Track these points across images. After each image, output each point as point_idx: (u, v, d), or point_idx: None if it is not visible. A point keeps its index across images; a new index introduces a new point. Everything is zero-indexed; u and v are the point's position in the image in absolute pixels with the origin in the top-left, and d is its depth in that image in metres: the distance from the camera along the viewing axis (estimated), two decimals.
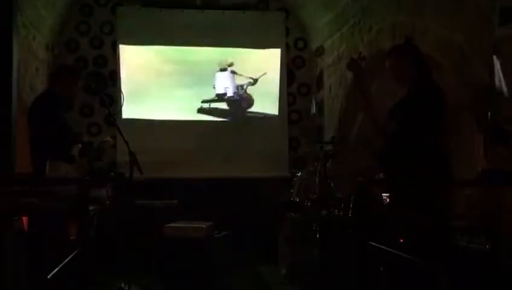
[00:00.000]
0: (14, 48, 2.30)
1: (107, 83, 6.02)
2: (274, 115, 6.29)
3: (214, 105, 6.23)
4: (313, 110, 6.31)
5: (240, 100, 6.26)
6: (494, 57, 2.90)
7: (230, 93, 6.26)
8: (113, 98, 5.86)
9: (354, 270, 3.66)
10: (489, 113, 2.86)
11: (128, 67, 6.04)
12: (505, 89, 2.84)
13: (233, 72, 6.24)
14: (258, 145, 6.12)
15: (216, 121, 6.20)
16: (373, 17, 4.58)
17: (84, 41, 6.05)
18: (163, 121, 6.09)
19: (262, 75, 6.24)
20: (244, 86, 6.25)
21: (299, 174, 4.70)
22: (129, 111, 5.92)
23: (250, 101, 6.29)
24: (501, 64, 2.87)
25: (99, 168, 5.57)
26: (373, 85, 4.00)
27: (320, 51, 6.05)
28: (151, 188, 4.97)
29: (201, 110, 6.20)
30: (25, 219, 3.06)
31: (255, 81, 6.25)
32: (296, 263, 4.29)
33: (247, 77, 6.24)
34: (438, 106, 2.94)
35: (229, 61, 6.22)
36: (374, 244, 3.12)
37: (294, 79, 6.41)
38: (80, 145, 3.71)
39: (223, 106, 6.25)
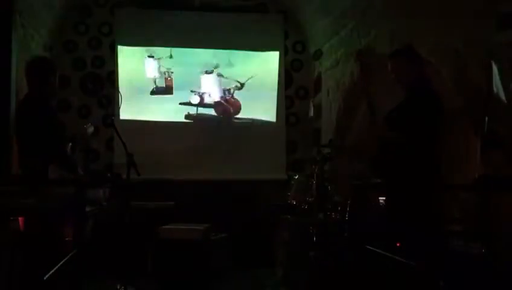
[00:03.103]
0: (13, 48, 2.30)
1: (104, 84, 6.01)
2: (271, 118, 6.29)
3: (200, 111, 6.14)
4: (311, 113, 6.32)
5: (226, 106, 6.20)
6: (492, 62, 2.91)
7: (216, 98, 6.19)
8: (111, 99, 5.86)
9: (350, 274, 3.66)
10: (486, 118, 2.87)
11: (126, 68, 6.04)
12: (502, 94, 2.85)
13: (219, 75, 6.19)
14: (255, 147, 6.12)
15: (214, 123, 6.19)
16: (371, 21, 4.59)
17: (83, 42, 6.04)
18: (161, 123, 6.09)
19: (249, 78, 6.21)
20: (231, 91, 6.22)
21: (296, 177, 4.71)
22: (127, 112, 5.92)
23: (237, 108, 6.21)
24: (498, 70, 2.89)
25: (96, 169, 5.57)
26: (375, 86, 4.02)
27: (318, 54, 6.06)
28: (149, 190, 4.96)
29: (188, 117, 6.14)
30: (21, 219, 3.05)
31: (242, 85, 6.21)
32: (292, 266, 4.29)
33: (234, 80, 6.20)
34: (435, 112, 2.96)
35: (215, 63, 6.15)
36: (370, 248, 3.13)
37: (292, 82, 6.42)
38: (70, 143, 3.63)
39: (210, 111, 6.17)
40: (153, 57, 6.08)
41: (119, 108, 5.70)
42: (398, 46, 3.43)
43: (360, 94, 4.35)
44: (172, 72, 6.11)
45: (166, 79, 6.11)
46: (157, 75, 6.09)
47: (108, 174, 5.11)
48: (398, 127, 3.03)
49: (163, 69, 6.10)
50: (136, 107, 6.00)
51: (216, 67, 6.16)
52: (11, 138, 2.76)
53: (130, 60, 6.06)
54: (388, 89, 3.32)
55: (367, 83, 3.28)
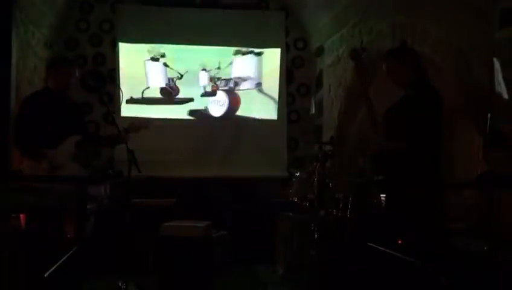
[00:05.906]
0: (13, 45, 2.29)
1: (105, 81, 6.00)
2: (273, 115, 6.28)
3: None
4: (312, 110, 6.31)
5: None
6: (494, 59, 2.90)
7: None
8: (112, 96, 5.85)
9: (352, 271, 3.66)
10: (488, 115, 2.86)
11: (127, 65, 6.03)
12: (504, 91, 2.84)
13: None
14: (256, 144, 6.12)
15: (215, 120, 6.18)
16: (373, 18, 4.57)
17: (84, 39, 6.03)
18: (162, 120, 6.08)
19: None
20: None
21: (297, 174, 4.70)
22: (128, 109, 5.91)
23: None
24: (501, 67, 2.87)
25: (97, 166, 5.57)
26: (372, 85, 4.01)
27: (319, 51, 6.05)
28: (150, 187, 4.96)
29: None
30: (22, 216, 3.06)
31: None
32: (293, 263, 4.29)
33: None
34: (435, 108, 2.95)
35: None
36: (372, 245, 3.12)
37: (294, 79, 6.41)
38: (80, 137, 3.64)
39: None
40: (157, 59, 6.06)
41: (120, 105, 5.71)
42: (397, 44, 3.42)
43: (359, 93, 4.34)
44: (180, 77, 6.11)
45: (172, 88, 6.11)
46: (163, 84, 6.08)
47: (110, 171, 5.11)
48: (397, 125, 3.02)
49: (170, 75, 6.08)
50: (137, 104, 6.00)
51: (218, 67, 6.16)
52: (11, 133, 2.76)
53: (131, 57, 6.05)
54: (387, 87, 3.30)
55: (363, 83, 3.24)
